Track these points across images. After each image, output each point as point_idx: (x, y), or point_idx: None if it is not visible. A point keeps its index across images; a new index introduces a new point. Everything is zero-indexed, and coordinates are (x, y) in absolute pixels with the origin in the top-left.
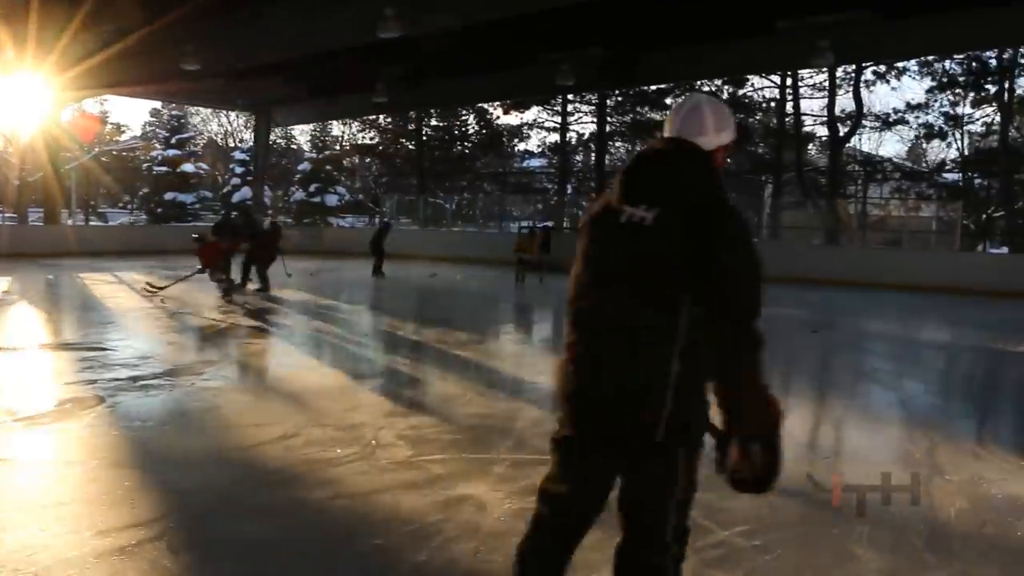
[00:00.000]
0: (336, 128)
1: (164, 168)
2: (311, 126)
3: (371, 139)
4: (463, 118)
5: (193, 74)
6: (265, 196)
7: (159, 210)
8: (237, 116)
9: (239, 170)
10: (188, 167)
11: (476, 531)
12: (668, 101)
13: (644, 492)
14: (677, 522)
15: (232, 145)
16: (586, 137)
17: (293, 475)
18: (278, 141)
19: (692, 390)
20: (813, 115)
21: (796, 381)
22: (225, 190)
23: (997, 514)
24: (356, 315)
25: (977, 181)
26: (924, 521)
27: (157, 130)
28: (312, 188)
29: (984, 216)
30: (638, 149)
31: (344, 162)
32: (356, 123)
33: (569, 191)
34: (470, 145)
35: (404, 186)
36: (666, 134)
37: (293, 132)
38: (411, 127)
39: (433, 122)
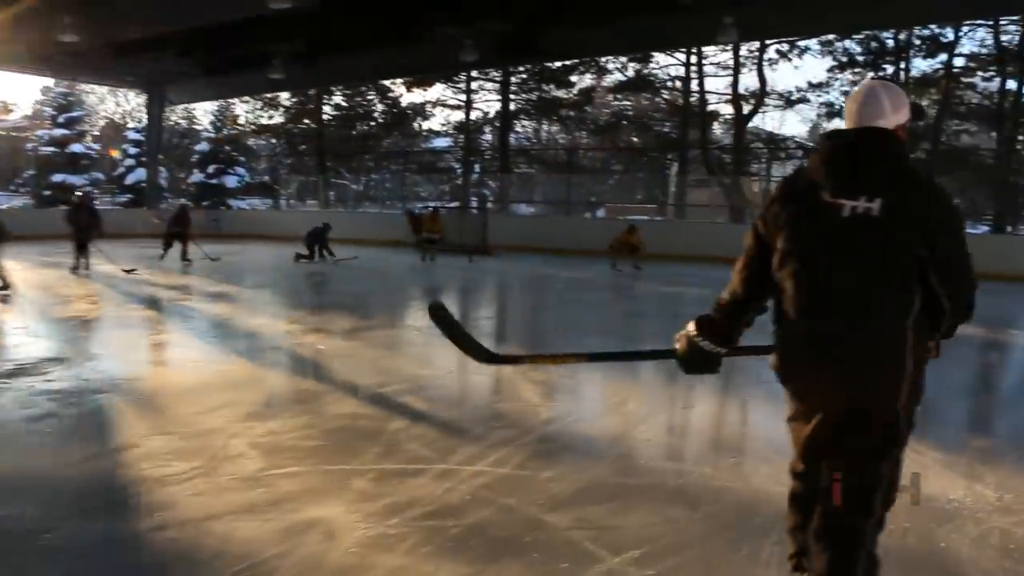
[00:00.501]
0: (240, 108)
1: (52, 148)
2: (213, 106)
3: (269, 118)
4: (368, 97)
5: (75, 47)
6: (162, 178)
7: (46, 192)
8: (138, 95)
9: (133, 151)
10: (78, 147)
11: (317, 569)
12: (573, 79)
13: (870, 454)
14: (888, 489)
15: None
16: (491, 115)
17: (115, 499)
18: (179, 122)
19: (920, 362)
20: (718, 93)
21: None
22: (118, 171)
23: (920, 520)
24: (243, 303)
25: None
26: None
27: (45, 109)
28: (211, 169)
29: None
30: (827, 141)
31: (251, 143)
32: (259, 103)
33: (478, 170)
34: (374, 124)
35: (308, 167)
36: (847, 124)
37: (195, 112)
38: (311, 106)
39: (336, 100)
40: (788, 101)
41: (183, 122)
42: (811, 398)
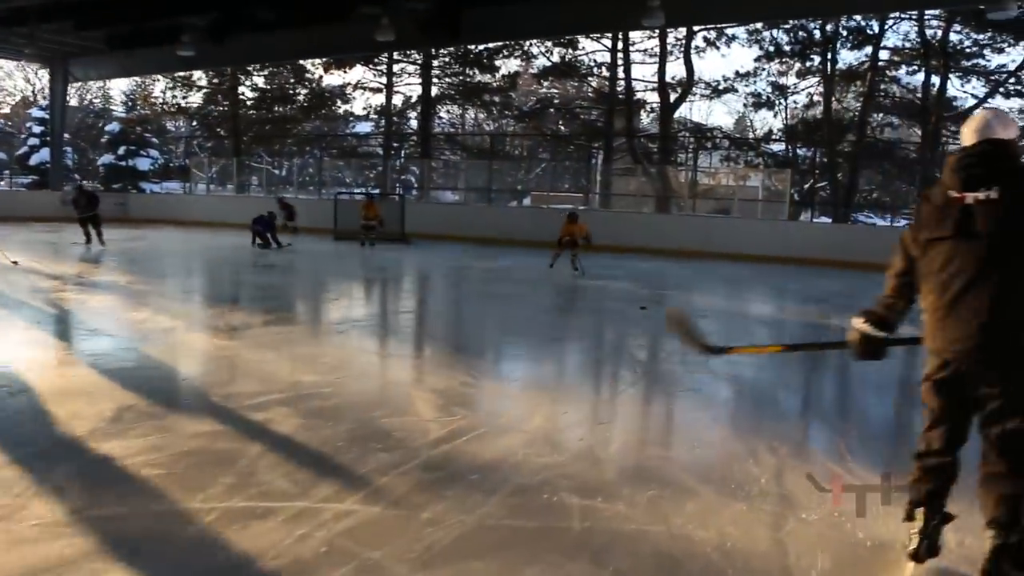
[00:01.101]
0: (157, 88)
1: None
2: (127, 85)
3: (184, 99)
4: (287, 79)
5: None
6: (68, 159)
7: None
8: (38, 69)
9: (38, 129)
10: None
11: None
12: (497, 63)
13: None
14: None
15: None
16: (414, 100)
17: None
18: (93, 101)
19: None
20: (644, 81)
21: (620, 375)
22: (21, 151)
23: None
24: (130, 294)
25: (801, 151)
26: None
27: None
28: (121, 151)
29: (808, 186)
30: (954, 154)
31: (170, 125)
32: (173, 82)
33: (402, 156)
34: (293, 107)
35: (226, 151)
36: (966, 143)
37: (111, 92)
38: (225, 86)
39: (254, 80)
40: (715, 90)
41: (97, 100)
42: (957, 356)
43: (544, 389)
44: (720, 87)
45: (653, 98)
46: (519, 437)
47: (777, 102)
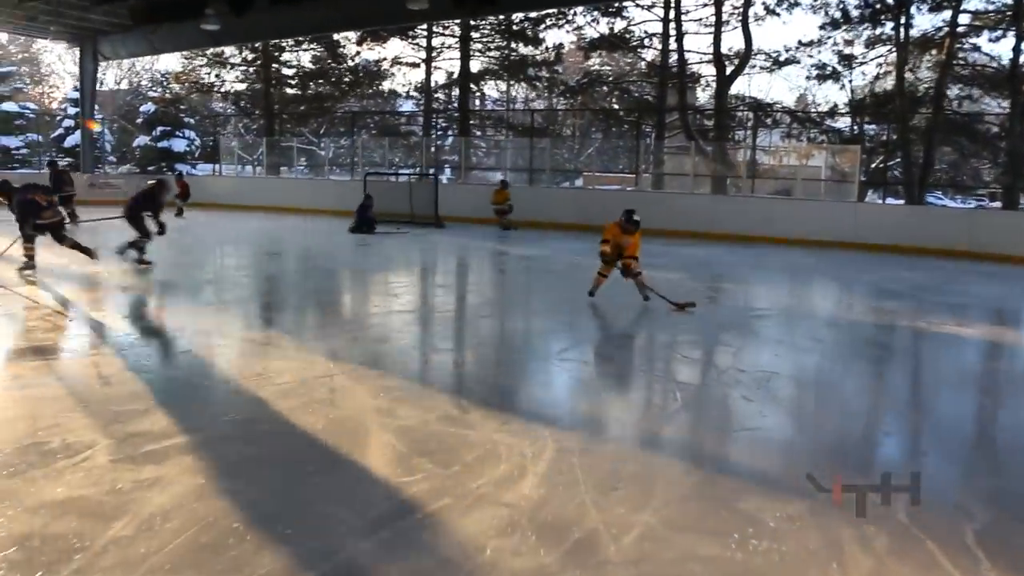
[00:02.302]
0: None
1: None
2: (163, 65)
3: (216, 77)
4: (323, 59)
5: None
6: (106, 140)
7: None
8: (69, 48)
9: (73, 110)
10: (10, 106)
11: None
12: (542, 35)
13: None
14: None
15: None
16: (456, 76)
17: None
18: (141, 83)
19: None
20: (699, 52)
21: (654, 404)
22: (56, 133)
23: None
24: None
25: (870, 127)
26: None
27: None
28: (157, 132)
29: (876, 164)
30: None
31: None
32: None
33: (443, 135)
34: (328, 85)
35: (257, 129)
36: None
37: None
38: (258, 63)
39: (287, 57)
40: (776, 62)
41: (146, 83)
42: None
43: (546, 425)
44: (781, 58)
45: (708, 71)
46: (496, 515)
47: (844, 74)
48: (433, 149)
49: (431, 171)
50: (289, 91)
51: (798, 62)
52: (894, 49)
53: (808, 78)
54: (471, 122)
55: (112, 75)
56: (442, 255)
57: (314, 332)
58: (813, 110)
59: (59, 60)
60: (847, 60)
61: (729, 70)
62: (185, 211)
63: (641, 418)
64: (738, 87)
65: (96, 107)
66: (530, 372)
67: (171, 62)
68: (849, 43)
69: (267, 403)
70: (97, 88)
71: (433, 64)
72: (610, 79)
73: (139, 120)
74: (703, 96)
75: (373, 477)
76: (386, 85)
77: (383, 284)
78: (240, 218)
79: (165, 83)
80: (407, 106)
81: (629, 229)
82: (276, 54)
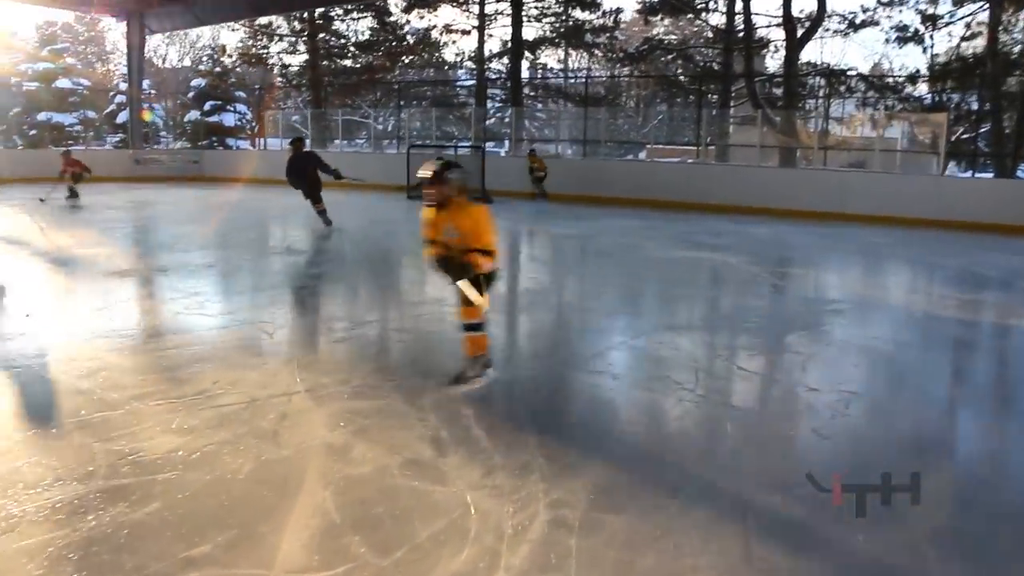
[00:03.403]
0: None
1: (36, 84)
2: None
3: (264, 49)
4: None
5: None
6: (157, 116)
7: (32, 132)
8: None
9: (125, 86)
10: (64, 83)
11: None
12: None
13: None
14: None
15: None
16: (510, 44)
17: None
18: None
19: None
20: (767, 15)
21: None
22: (109, 109)
23: None
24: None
25: (954, 94)
26: None
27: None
28: (207, 107)
29: (960, 135)
30: None
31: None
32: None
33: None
34: (378, 54)
35: (304, 102)
36: None
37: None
38: (306, 34)
39: (335, 27)
40: (851, 24)
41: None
42: None
43: (543, 479)
44: (857, 20)
45: (777, 36)
46: None
47: (927, 35)
48: (491, 121)
49: (477, 144)
50: (338, 63)
51: (876, 24)
52: (986, 6)
53: (887, 41)
54: (529, 93)
55: (174, 52)
56: None
57: (294, 326)
58: (891, 77)
59: (123, 38)
60: (931, 20)
61: (800, 34)
62: (79, 191)
63: (673, 471)
64: (808, 54)
65: (146, 84)
66: (544, 390)
67: (223, 37)
68: (934, 1)
69: (191, 437)
70: (160, 65)
71: (486, 32)
72: (672, 45)
73: (190, 95)
74: (771, 64)
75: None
76: (437, 55)
77: (399, 267)
78: (275, 194)
79: (215, 57)
80: (460, 77)
81: (431, 195)
82: (323, 24)
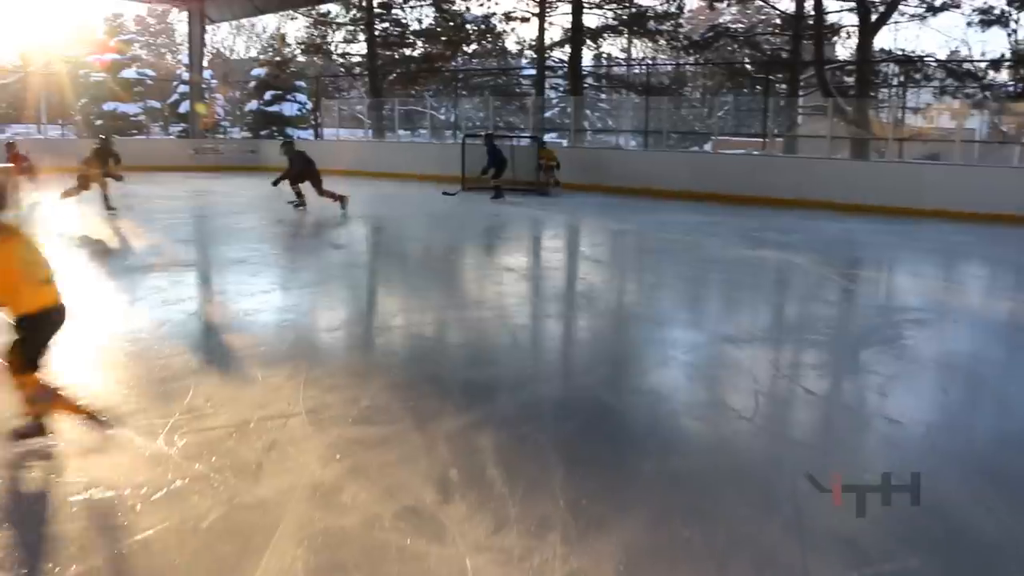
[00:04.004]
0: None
1: (103, 75)
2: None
3: (321, 38)
4: (440, 22)
5: None
6: (219, 106)
7: (99, 122)
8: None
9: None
10: (129, 73)
11: None
12: None
13: None
14: None
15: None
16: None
17: None
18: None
19: None
20: (839, 0)
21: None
22: (172, 99)
23: None
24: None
25: None
26: None
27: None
28: (267, 96)
29: None
30: None
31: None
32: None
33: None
34: (437, 43)
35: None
36: None
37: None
38: (363, 22)
39: (394, 14)
40: (930, 7)
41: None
42: None
43: (564, 540)
44: (936, 2)
45: (849, 21)
46: None
47: (1014, 17)
48: (554, 111)
49: (535, 135)
50: (397, 52)
51: (957, 6)
52: None
53: (968, 24)
54: (591, 83)
55: (241, 43)
56: (530, 226)
57: (311, 329)
58: (971, 62)
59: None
60: (1019, 0)
61: (874, 18)
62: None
63: (724, 532)
64: (880, 40)
65: (207, 74)
66: (578, 416)
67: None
68: None
69: (161, 470)
70: (229, 56)
71: (547, 19)
72: (739, 32)
73: (251, 84)
74: (841, 51)
75: None
76: (497, 43)
77: (438, 265)
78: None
79: (275, 46)
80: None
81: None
82: (382, 12)
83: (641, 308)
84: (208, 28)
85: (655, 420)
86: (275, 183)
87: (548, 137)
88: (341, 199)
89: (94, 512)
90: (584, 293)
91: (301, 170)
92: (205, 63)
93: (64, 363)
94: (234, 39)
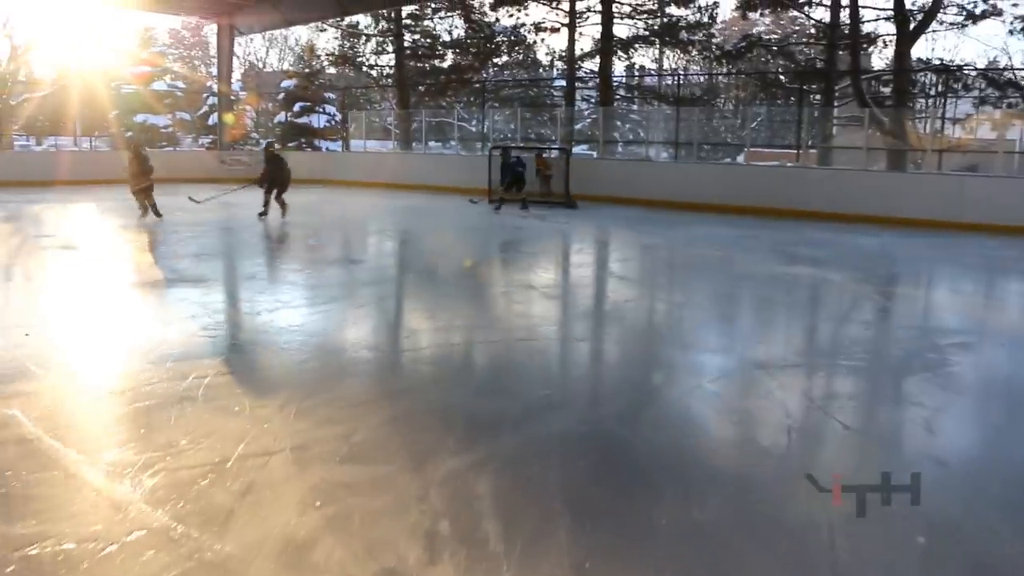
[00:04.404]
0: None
1: (135, 87)
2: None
3: (350, 50)
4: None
5: None
6: (248, 118)
7: (128, 134)
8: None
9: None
10: (160, 85)
11: None
12: None
13: None
14: None
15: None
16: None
17: None
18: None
19: None
20: (875, 8)
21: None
22: (201, 111)
23: None
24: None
25: None
26: None
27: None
28: (296, 108)
29: None
30: None
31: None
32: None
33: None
34: (467, 54)
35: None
36: None
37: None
38: (391, 34)
39: (424, 25)
40: (970, 15)
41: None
42: None
43: None
44: (976, 10)
45: (885, 30)
46: None
47: None
48: (585, 123)
49: (563, 146)
50: (426, 63)
51: (999, 14)
52: None
53: (1010, 32)
54: (622, 94)
55: (274, 55)
56: (555, 240)
57: (312, 352)
58: (1012, 71)
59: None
60: None
61: (911, 27)
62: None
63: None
64: (918, 51)
65: (236, 86)
66: (589, 456)
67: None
68: None
69: (120, 518)
70: (261, 69)
71: (577, 30)
72: (773, 42)
73: (280, 96)
74: (876, 61)
75: None
76: (526, 54)
77: (456, 282)
78: (346, 196)
79: (303, 57)
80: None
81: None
82: (410, 23)
83: (667, 330)
84: (242, 41)
85: (676, 460)
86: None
87: (578, 149)
88: (283, 207)
89: (33, 571)
90: (607, 313)
91: (272, 173)
92: (238, 75)
93: (52, 381)
94: (267, 52)
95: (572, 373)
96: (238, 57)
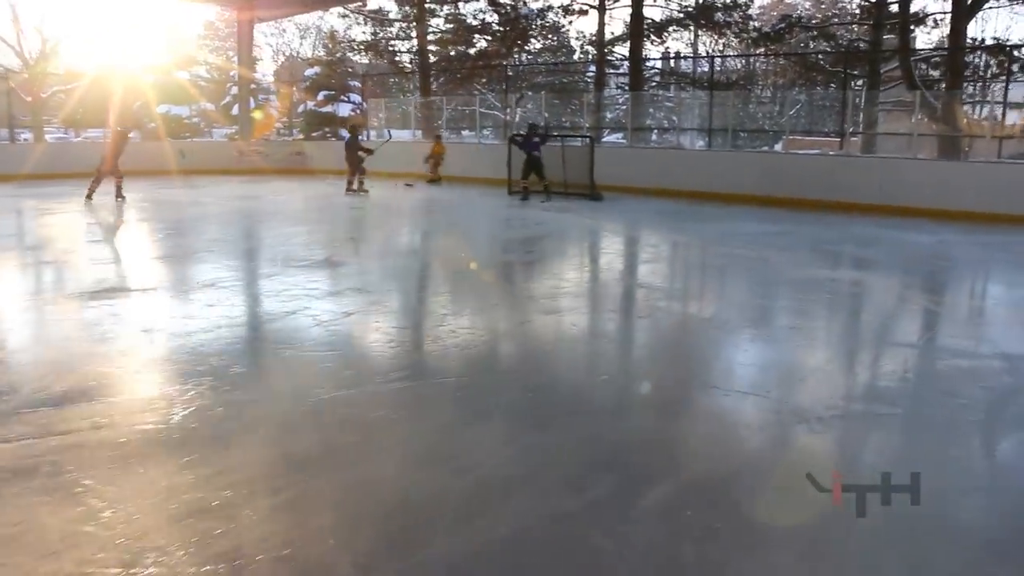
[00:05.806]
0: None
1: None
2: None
3: (373, 35)
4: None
5: None
6: (272, 108)
7: (151, 124)
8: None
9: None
10: (182, 75)
11: None
12: None
13: None
14: None
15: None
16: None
17: None
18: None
19: None
20: None
21: None
22: (225, 101)
23: None
24: None
25: None
26: None
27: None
28: (320, 96)
29: None
30: None
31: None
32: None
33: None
34: (492, 39)
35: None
36: None
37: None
38: (414, 18)
39: (446, 10)
40: None
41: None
42: None
43: None
44: None
45: (935, 8)
46: None
47: None
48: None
49: (587, 134)
50: (452, 48)
51: None
52: None
53: None
54: (655, 79)
55: (308, 46)
56: (573, 238)
57: (270, 386)
58: None
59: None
60: None
61: (968, 2)
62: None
63: None
64: (972, 27)
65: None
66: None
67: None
68: None
69: None
70: (296, 59)
71: (607, 12)
72: (813, 23)
73: (304, 85)
74: (924, 42)
75: None
76: (554, 38)
77: (461, 289)
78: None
79: (326, 44)
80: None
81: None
82: (435, 7)
83: (686, 367)
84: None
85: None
86: None
87: (611, 138)
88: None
89: None
90: (610, 331)
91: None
92: (273, 67)
93: None
94: (300, 42)
95: (556, 405)
96: (271, 47)
